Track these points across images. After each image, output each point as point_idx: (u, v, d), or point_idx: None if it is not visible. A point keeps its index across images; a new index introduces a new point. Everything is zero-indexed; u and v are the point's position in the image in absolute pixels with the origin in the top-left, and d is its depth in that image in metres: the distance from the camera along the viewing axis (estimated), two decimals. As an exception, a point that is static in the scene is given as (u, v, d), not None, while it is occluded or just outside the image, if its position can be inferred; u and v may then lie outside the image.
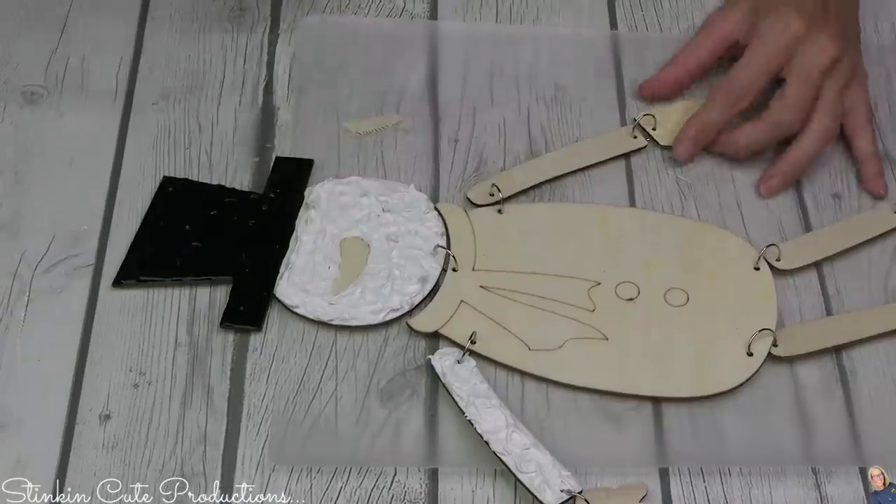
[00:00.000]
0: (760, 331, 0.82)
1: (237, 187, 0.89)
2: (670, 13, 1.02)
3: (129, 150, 0.91)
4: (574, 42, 0.99)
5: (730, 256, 0.87)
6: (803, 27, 0.89)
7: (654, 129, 0.93)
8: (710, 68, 0.94)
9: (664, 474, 0.78)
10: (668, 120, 0.94)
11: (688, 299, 0.84)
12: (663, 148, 0.93)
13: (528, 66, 0.97)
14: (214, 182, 0.89)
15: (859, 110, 0.92)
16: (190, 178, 0.90)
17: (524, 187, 0.90)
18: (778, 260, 0.86)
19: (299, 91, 0.95)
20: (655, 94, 0.95)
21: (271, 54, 0.97)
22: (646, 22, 1.01)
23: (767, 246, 0.86)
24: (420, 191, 0.89)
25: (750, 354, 0.82)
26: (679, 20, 1.01)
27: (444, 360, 0.80)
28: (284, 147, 0.92)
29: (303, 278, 0.84)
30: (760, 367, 0.81)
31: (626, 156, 0.92)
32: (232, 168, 0.90)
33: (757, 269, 0.86)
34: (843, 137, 0.93)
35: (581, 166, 0.91)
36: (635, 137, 0.93)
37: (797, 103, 0.89)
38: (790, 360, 0.82)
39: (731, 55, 0.93)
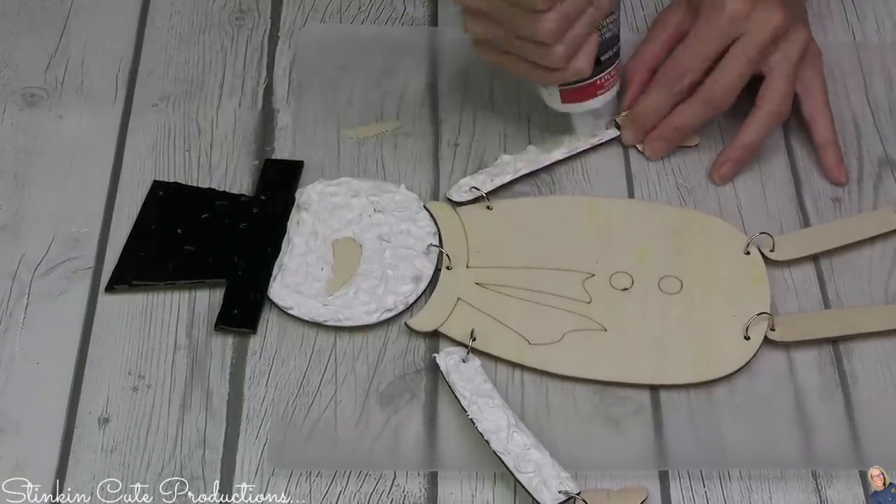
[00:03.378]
0: (758, 315, 0.82)
1: (236, 190, 0.89)
2: (671, 15, 1.01)
3: (129, 153, 0.91)
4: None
5: (720, 242, 0.87)
6: (744, 6, 0.87)
7: None
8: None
9: (664, 478, 0.78)
10: None
11: (681, 286, 0.84)
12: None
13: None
14: (214, 185, 0.89)
15: (816, 93, 0.91)
16: (189, 180, 0.90)
17: (504, 182, 0.89)
18: (771, 251, 0.86)
19: (299, 94, 0.95)
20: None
21: (271, 57, 0.97)
22: (647, 23, 1.01)
23: (760, 233, 0.86)
24: (419, 194, 0.89)
25: (747, 338, 0.82)
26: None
27: (448, 358, 0.80)
28: (284, 150, 0.92)
29: (296, 280, 0.84)
30: (758, 351, 0.82)
31: (626, 161, 0.92)
32: (231, 171, 0.90)
33: (747, 253, 0.86)
34: (798, 120, 0.92)
35: (555, 160, 0.91)
36: (607, 129, 0.93)
37: (731, 81, 0.88)
38: (787, 346, 0.82)
39: None
